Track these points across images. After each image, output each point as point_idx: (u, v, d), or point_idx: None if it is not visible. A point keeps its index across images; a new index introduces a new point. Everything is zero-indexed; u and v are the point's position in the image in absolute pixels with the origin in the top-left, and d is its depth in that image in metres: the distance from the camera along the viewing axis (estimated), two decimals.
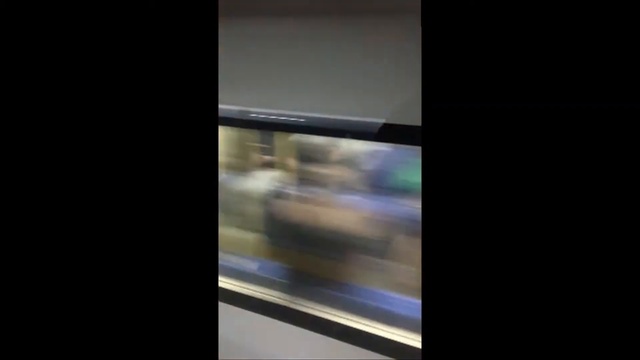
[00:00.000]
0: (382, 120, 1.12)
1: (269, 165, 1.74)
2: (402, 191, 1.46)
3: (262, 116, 1.30)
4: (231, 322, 1.50)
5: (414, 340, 1.29)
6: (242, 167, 1.76)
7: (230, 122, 1.37)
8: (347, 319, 1.39)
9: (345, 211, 1.54)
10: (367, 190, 1.54)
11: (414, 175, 1.46)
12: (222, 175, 1.74)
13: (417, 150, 1.24)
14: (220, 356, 0.65)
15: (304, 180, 1.64)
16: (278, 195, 1.66)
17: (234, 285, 1.58)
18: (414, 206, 1.42)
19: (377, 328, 1.35)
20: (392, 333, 1.32)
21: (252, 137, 1.75)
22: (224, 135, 1.73)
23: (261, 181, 1.72)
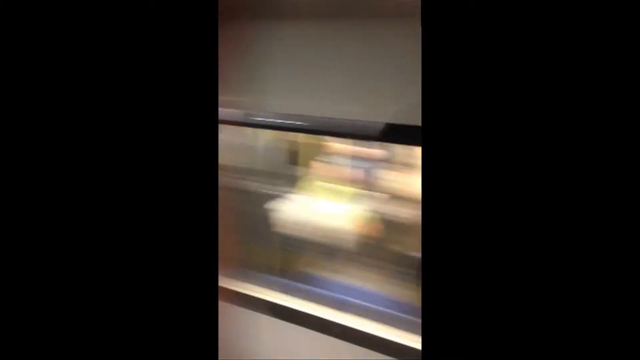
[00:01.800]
0: (383, 122, 1.12)
1: None
2: None
3: (267, 119, 1.31)
4: (231, 322, 1.50)
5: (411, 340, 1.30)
6: None
7: (233, 124, 1.37)
8: None
9: None
10: None
11: None
12: None
13: None
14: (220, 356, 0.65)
15: None
16: None
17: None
18: None
19: None
20: None
21: None
22: None
23: None
